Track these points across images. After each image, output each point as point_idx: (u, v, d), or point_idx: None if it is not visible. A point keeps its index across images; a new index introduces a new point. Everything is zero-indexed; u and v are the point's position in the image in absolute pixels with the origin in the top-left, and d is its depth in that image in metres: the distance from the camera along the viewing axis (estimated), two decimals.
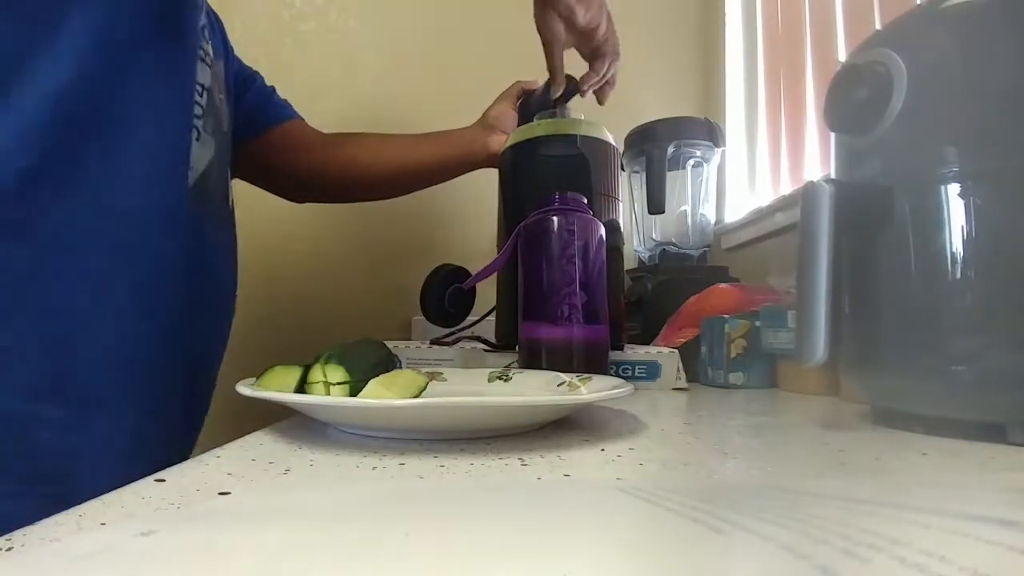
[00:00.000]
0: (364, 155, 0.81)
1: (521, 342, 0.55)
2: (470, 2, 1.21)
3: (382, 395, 0.34)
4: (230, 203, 0.63)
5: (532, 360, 0.53)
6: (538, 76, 0.78)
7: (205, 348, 0.58)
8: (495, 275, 0.64)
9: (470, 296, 0.71)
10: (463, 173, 0.84)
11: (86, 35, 0.43)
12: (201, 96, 0.54)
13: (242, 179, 0.78)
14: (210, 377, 0.61)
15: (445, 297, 0.70)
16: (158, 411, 0.51)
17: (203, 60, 0.54)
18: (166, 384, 0.51)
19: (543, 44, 0.67)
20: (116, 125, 0.45)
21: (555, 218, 0.53)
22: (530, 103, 0.80)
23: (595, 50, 0.70)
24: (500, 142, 0.77)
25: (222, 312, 0.61)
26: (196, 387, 0.58)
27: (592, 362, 0.52)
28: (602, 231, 0.55)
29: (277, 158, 0.77)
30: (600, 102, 0.76)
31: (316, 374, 0.36)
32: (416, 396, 0.35)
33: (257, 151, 0.75)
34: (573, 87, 0.72)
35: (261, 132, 0.75)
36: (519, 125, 0.77)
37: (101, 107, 0.44)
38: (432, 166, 0.82)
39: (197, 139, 0.53)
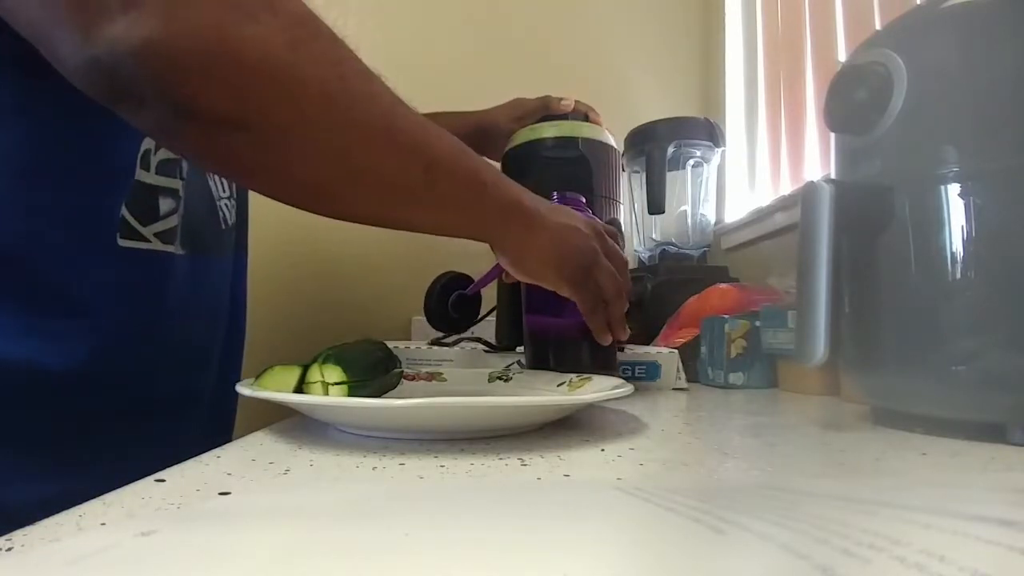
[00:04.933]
0: None
1: (526, 336, 0.54)
2: (471, 4, 1.21)
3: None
4: (227, 218, 0.58)
5: (538, 353, 0.52)
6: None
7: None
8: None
9: (474, 301, 0.71)
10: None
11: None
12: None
13: None
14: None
15: (448, 303, 0.70)
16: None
17: None
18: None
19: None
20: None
21: None
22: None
23: None
24: (511, 130, 0.74)
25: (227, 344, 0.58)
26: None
27: (600, 355, 0.52)
28: None
29: None
30: None
31: (314, 374, 0.36)
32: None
33: None
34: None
35: None
36: None
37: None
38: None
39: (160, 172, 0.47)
